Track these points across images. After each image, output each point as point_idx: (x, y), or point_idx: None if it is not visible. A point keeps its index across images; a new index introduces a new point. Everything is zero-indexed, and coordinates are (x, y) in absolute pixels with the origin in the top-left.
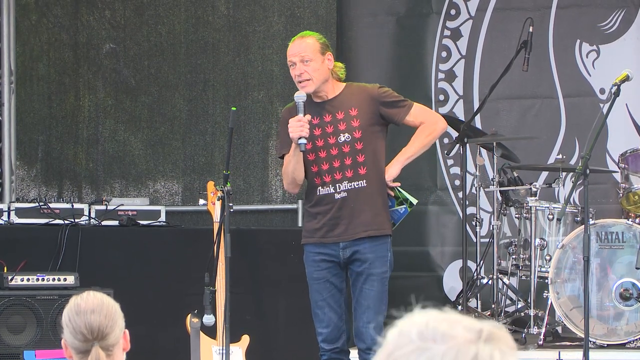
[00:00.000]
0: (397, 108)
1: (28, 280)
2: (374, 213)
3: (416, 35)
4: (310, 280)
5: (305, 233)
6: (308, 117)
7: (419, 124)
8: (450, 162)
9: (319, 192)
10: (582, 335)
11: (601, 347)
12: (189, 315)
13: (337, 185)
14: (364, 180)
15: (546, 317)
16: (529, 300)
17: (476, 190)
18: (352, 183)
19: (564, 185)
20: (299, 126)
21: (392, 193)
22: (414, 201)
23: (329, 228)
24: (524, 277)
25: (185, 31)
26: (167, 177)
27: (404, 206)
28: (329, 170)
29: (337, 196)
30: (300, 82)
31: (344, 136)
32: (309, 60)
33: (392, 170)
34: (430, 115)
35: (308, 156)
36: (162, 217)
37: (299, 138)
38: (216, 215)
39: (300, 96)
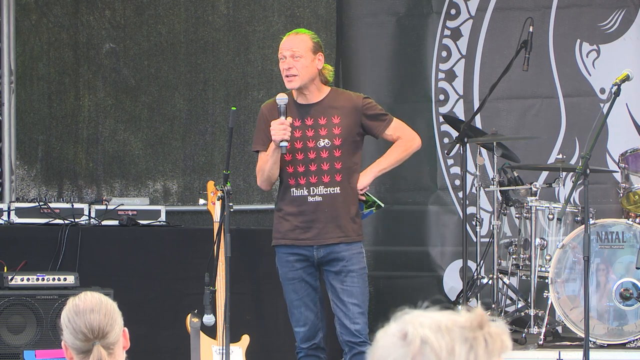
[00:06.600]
0: (378, 121)
1: (28, 280)
2: (347, 220)
3: (416, 35)
4: (284, 280)
5: (276, 234)
6: (290, 120)
7: (396, 138)
8: (450, 162)
9: (293, 192)
10: (582, 335)
11: (601, 347)
12: (189, 315)
13: (311, 188)
14: (339, 187)
15: (546, 317)
16: (529, 300)
17: (476, 190)
18: (328, 189)
19: (564, 185)
20: (281, 129)
21: (363, 198)
22: (382, 204)
23: (302, 230)
24: (524, 277)
25: (185, 31)
26: (167, 177)
27: (372, 209)
28: (305, 173)
29: (310, 199)
30: (287, 77)
31: (323, 141)
32: (300, 56)
33: (365, 179)
34: (407, 132)
35: (285, 156)
36: (162, 217)
37: (281, 141)
38: (216, 215)
39: (282, 99)
